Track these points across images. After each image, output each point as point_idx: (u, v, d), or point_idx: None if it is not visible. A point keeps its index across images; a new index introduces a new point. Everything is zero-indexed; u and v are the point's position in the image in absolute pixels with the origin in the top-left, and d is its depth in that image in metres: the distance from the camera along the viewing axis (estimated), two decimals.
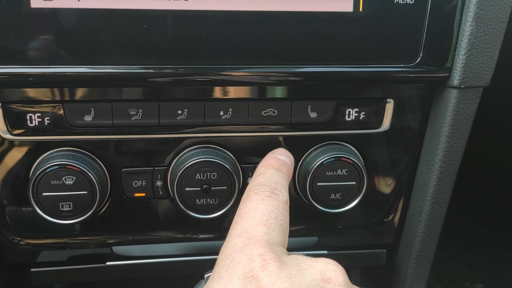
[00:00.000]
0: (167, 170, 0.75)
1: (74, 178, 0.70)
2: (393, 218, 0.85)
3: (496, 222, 1.60)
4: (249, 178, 0.77)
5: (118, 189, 0.76)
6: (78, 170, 0.70)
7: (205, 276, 0.61)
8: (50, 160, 0.70)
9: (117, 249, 0.82)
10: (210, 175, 0.73)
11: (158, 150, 0.74)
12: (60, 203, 0.71)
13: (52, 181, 0.70)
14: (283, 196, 0.60)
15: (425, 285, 0.87)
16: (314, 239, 0.86)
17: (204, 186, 0.73)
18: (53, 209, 0.71)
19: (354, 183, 0.76)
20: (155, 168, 0.75)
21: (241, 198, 0.61)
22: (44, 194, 0.70)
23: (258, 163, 0.76)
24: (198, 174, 0.73)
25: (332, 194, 0.76)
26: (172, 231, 0.81)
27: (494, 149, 1.39)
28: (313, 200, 0.76)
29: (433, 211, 0.81)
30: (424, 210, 0.81)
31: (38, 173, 0.69)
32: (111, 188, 0.75)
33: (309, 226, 0.83)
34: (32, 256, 0.79)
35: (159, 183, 0.76)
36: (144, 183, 0.76)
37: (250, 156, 0.76)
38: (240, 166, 0.76)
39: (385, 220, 0.85)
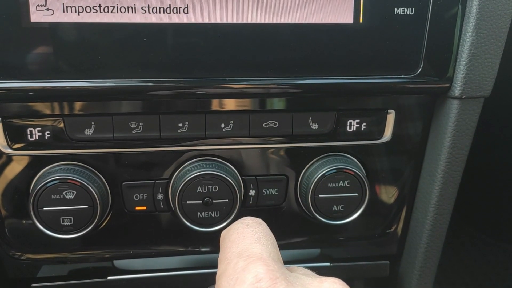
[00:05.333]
0: (168, 183, 0.75)
1: (75, 192, 0.70)
2: (396, 229, 0.85)
3: (498, 230, 1.59)
4: (251, 191, 0.77)
5: (119, 202, 0.75)
6: (79, 184, 0.70)
7: None
8: (50, 175, 0.70)
9: (119, 263, 0.81)
10: (211, 188, 0.73)
11: (159, 163, 0.74)
12: (61, 218, 0.71)
13: (52, 196, 0.70)
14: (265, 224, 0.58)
15: None
16: (317, 251, 0.85)
17: (206, 199, 0.73)
18: (54, 223, 0.71)
19: (356, 194, 0.76)
20: (156, 181, 0.75)
21: (221, 237, 0.57)
22: (44, 208, 0.70)
23: (259, 175, 0.76)
24: (199, 187, 0.72)
25: (334, 206, 0.76)
26: (174, 245, 0.80)
27: (495, 157, 1.39)
28: (315, 212, 0.76)
29: (436, 222, 0.81)
30: (427, 220, 0.81)
31: (38, 187, 0.69)
32: (112, 202, 0.75)
33: (311, 238, 0.83)
34: (32, 271, 0.79)
35: (160, 196, 0.75)
36: (145, 196, 0.75)
37: (251, 168, 0.76)
38: (241, 178, 0.76)
39: (387, 231, 0.84)
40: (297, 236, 0.82)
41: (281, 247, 0.82)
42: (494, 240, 1.61)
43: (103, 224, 0.76)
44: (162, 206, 0.76)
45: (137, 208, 0.76)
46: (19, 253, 0.77)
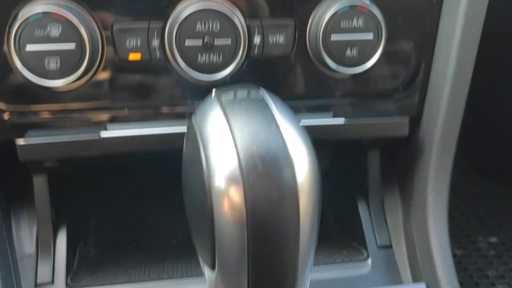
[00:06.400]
0: (164, 26, 0.68)
1: (60, 26, 0.63)
2: (415, 81, 0.77)
3: (507, 177, 1.54)
4: (256, 37, 0.70)
5: (111, 49, 0.68)
6: (64, 19, 0.63)
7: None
8: (33, 9, 0.63)
9: (112, 126, 0.74)
10: (212, 24, 0.66)
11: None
12: (46, 58, 0.64)
13: (36, 31, 0.63)
14: None
15: (452, 158, 0.80)
16: (330, 107, 0.78)
17: (206, 37, 0.66)
18: (38, 65, 0.64)
19: (371, 35, 0.69)
20: (151, 22, 0.68)
21: None
22: (27, 48, 0.63)
23: (265, 17, 0.69)
24: (198, 23, 0.66)
25: (348, 50, 0.69)
26: (172, 101, 0.73)
27: (504, 102, 1.35)
28: (327, 56, 0.69)
29: (458, 69, 0.74)
30: (449, 68, 0.74)
31: (20, 22, 0.62)
32: (103, 48, 0.68)
33: (324, 92, 0.75)
34: (18, 131, 0.71)
35: (156, 42, 0.68)
36: (139, 42, 0.68)
37: (255, 9, 0.69)
38: (245, 21, 0.69)
39: (406, 84, 0.77)
40: (308, 90, 0.75)
41: (291, 102, 0.72)
42: (503, 186, 1.56)
43: (95, 76, 0.69)
44: (158, 54, 0.69)
45: (131, 56, 0.69)
46: (3, 108, 0.70)
